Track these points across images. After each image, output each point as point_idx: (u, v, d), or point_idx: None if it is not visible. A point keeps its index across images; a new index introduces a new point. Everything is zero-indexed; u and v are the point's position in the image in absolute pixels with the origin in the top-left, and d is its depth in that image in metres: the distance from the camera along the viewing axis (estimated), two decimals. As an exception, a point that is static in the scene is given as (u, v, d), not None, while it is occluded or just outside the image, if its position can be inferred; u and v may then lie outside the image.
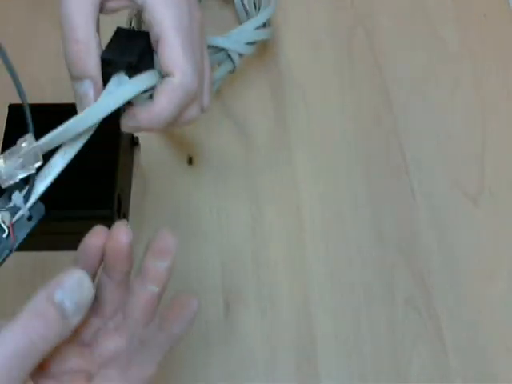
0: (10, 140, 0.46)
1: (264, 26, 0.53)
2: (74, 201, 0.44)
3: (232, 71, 0.52)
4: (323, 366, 0.48)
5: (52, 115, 0.46)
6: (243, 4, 0.56)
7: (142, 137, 0.50)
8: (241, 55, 0.51)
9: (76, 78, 0.34)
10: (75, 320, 0.29)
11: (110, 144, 0.45)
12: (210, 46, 0.49)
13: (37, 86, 0.54)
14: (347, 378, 0.48)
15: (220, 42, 0.50)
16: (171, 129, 0.38)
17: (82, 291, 0.29)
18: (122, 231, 0.32)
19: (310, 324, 0.49)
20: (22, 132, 0.47)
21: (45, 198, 0.36)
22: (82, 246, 0.33)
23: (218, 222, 0.52)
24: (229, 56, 0.51)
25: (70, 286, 0.29)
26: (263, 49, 0.58)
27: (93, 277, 0.33)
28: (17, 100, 0.48)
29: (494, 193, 0.53)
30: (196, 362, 0.48)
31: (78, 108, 0.35)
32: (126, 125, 0.37)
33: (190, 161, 0.53)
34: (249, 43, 0.51)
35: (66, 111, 0.46)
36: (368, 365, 0.48)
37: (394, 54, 0.58)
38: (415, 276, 0.50)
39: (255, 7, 0.55)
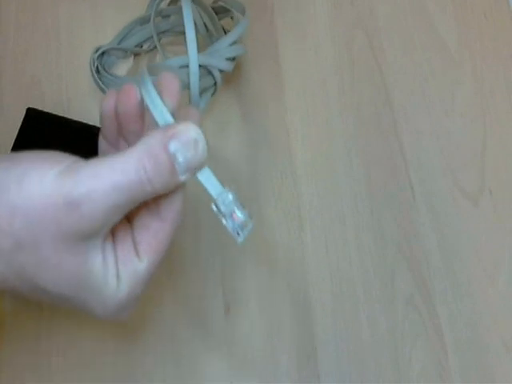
0: (22, 142, 0.47)
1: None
2: None
3: (214, 93, 0.52)
4: (323, 366, 0.48)
5: (70, 131, 0.47)
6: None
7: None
8: (221, 71, 0.51)
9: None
10: (182, 178, 0.30)
11: None
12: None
13: (37, 86, 0.54)
14: (347, 377, 0.48)
15: (201, 59, 0.48)
16: None
17: (196, 152, 0.29)
18: (129, 90, 0.32)
19: (309, 324, 0.49)
20: (35, 135, 0.47)
21: None
22: (100, 113, 0.34)
23: (217, 222, 0.51)
24: (210, 73, 0.50)
25: (186, 141, 0.29)
26: (263, 48, 0.58)
27: (116, 146, 0.34)
28: (34, 104, 0.49)
29: (494, 193, 0.53)
30: (196, 361, 0.48)
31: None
32: None
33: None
34: (228, 59, 0.51)
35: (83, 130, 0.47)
36: (368, 365, 0.48)
37: (394, 54, 0.58)
38: (415, 276, 0.50)
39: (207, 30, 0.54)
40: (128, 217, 0.32)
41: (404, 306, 0.50)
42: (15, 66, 0.55)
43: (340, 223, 0.52)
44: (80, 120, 0.49)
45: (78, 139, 0.48)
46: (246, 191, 0.53)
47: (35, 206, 0.28)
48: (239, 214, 0.32)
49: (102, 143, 0.35)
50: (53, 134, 0.48)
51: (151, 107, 0.30)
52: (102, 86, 0.51)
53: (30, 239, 0.28)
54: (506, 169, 0.54)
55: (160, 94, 0.31)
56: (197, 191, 0.52)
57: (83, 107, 0.54)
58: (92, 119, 0.52)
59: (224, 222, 0.32)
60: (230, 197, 0.32)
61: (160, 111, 0.30)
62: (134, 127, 0.33)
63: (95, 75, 0.51)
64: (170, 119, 0.30)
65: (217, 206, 0.32)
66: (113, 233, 0.31)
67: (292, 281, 0.50)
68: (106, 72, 0.52)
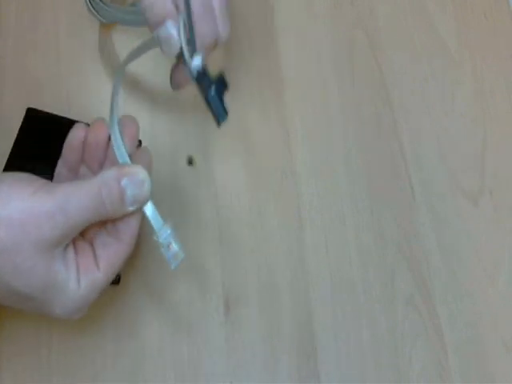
0: (22, 142, 0.47)
1: None
2: None
3: None
4: (323, 366, 0.48)
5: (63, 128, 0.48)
6: None
7: (142, 136, 0.49)
8: None
9: (156, 24, 0.40)
10: (130, 208, 0.37)
11: None
12: None
13: (37, 86, 0.54)
14: (347, 377, 0.48)
15: None
16: None
17: (142, 189, 0.37)
18: (101, 125, 0.40)
19: (309, 323, 0.49)
20: (35, 135, 0.47)
21: None
22: (65, 143, 0.40)
23: (218, 221, 0.51)
24: None
25: (135, 180, 0.37)
26: (263, 49, 0.58)
27: (75, 171, 0.41)
28: (34, 104, 0.49)
29: (494, 193, 0.53)
30: (196, 361, 0.48)
31: (163, 49, 0.41)
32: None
33: (190, 161, 0.53)
34: None
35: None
36: (368, 365, 0.48)
37: (393, 54, 0.58)
38: (415, 276, 0.50)
39: None
40: (88, 236, 0.38)
41: (404, 306, 0.50)
42: (15, 66, 0.55)
43: (340, 223, 0.52)
44: (80, 120, 0.48)
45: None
46: (246, 191, 0.53)
47: (19, 215, 0.34)
48: (174, 246, 0.38)
49: (61, 169, 0.41)
50: (53, 134, 0.48)
51: (114, 147, 0.38)
52: (92, 10, 0.54)
53: (11, 244, 0.34)
54: (506, 169, 0.54)
55: (122, 134, 0.39)
56: (196, 193, 0.53)
57: (83, 107, 0.54)
58: (92, 119, 0.51)
59: (162, 250, 0.38)
60: (169, 231, 0.38)
61: (121, 152, 0.38)
62: (99, 156, 0.40)
63: None
64: (127, 159, 0.38)
65: (157, 237, 0.38)
66: (74, 246, 0.37)
67: (292, 281, 0.50)
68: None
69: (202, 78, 0.41)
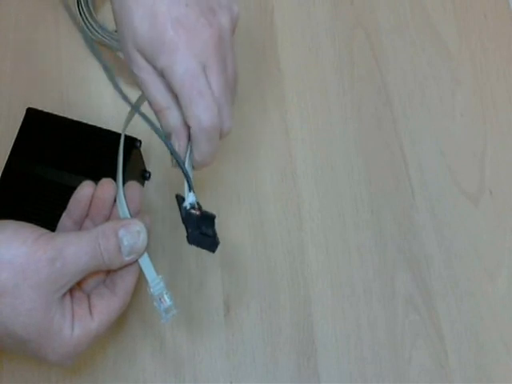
0: (22, 142, 0.47)
1: None
2: None
3: None
4: (323, 366, 0.48)
5: (69, 131, 0.48)
6: None
7: (142, 136, 0.49)
8: None
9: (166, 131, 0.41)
10: (126, 259, 0.38)
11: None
12: None
13: (37, 86, 0.54)
14: (347, 378, 0.48)
15: None
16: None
17: (138, 240, 0.38)
18: (109, 184, 0.41)
19: (310, 324, 0.49)
20: (35, 135, 0.47)
21: None
22: (73, 198, 0.41)
23: (218, 221, 0.51)
24: None
25: (131, 231, 0.38)
26: (263, 48, 0.58)
27: (79, 225, 0.42)
28: (34, 104, 0.49)
29: (494, 193, 0.53)
30: (196, 361, 0.48)
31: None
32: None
33: (190, 161, 0.53)
34: None
35: (83, 130, 0.47)
36: (368, 365, 0.48)
37: (394, 54, 0.58)
38: (415, 276, 0.50)
39: None
40: (85, 287, 0.40)
41: (404, 305, 0.50)
42: (15, 66, 0.55)
43: (340, 223, 0.52)
44: (80, 120, 0.49)
45: (77, 139, 0.48)
46: (246, 191, 0.53)
47: (21, 260, 0.35)
48: (167, 299, 0.39)
49: (66, 221, 0.42)
50: (53, 133, 0.48)
51: (118, 206, 0.40)
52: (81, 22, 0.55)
53: (12, 287, 0.35)
54: (506, 169, 0.54)
55: (125, 197, 0.40)
56: (197, 193, 0.53)
57: (83, 107, 0.54)
58: (92, 119, 0.52)
59: (154, 303, 0.39)
60: (162, 284, 0.40)
61: (124, 211, 0.40)
62: (105, 212, 0.42)
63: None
64: (128, 216, 0.40)
65: (150, 289, 0.39)
66: (71, 295, 0.38)
67: (292, 281, 0.50)
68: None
69: (189, 217, 0.41)
